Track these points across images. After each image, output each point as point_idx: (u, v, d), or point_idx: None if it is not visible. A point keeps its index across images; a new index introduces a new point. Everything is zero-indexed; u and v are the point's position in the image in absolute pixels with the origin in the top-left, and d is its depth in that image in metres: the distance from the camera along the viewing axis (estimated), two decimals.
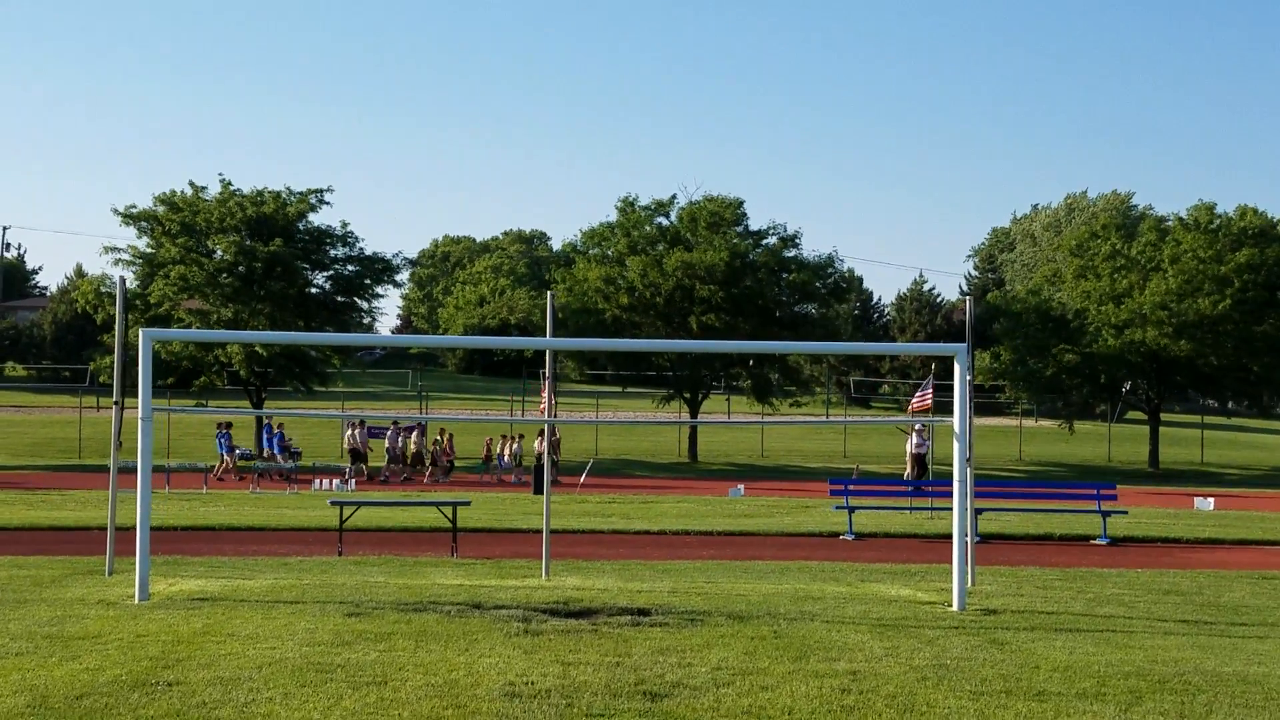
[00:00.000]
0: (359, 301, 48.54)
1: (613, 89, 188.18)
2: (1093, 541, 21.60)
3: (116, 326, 14.41)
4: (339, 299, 47.84)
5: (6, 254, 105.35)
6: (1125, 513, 23.54)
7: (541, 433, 37.34)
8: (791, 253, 49.46)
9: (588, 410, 57.83)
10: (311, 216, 46.32)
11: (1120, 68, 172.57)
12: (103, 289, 46.31)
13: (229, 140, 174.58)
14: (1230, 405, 73.71)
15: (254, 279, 44.08)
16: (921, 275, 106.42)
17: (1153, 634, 11.36)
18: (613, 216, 50.83)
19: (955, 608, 12.51)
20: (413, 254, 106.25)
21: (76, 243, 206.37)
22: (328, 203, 46.51)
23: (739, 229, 49.33)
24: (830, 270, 50.45)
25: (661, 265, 47.27)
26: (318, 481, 32.98)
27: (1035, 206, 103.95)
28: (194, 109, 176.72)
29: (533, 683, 8.52)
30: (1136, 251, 50.09)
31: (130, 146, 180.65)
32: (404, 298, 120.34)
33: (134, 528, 12.69)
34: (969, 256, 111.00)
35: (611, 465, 43.04)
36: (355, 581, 13.86)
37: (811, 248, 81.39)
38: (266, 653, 9.41)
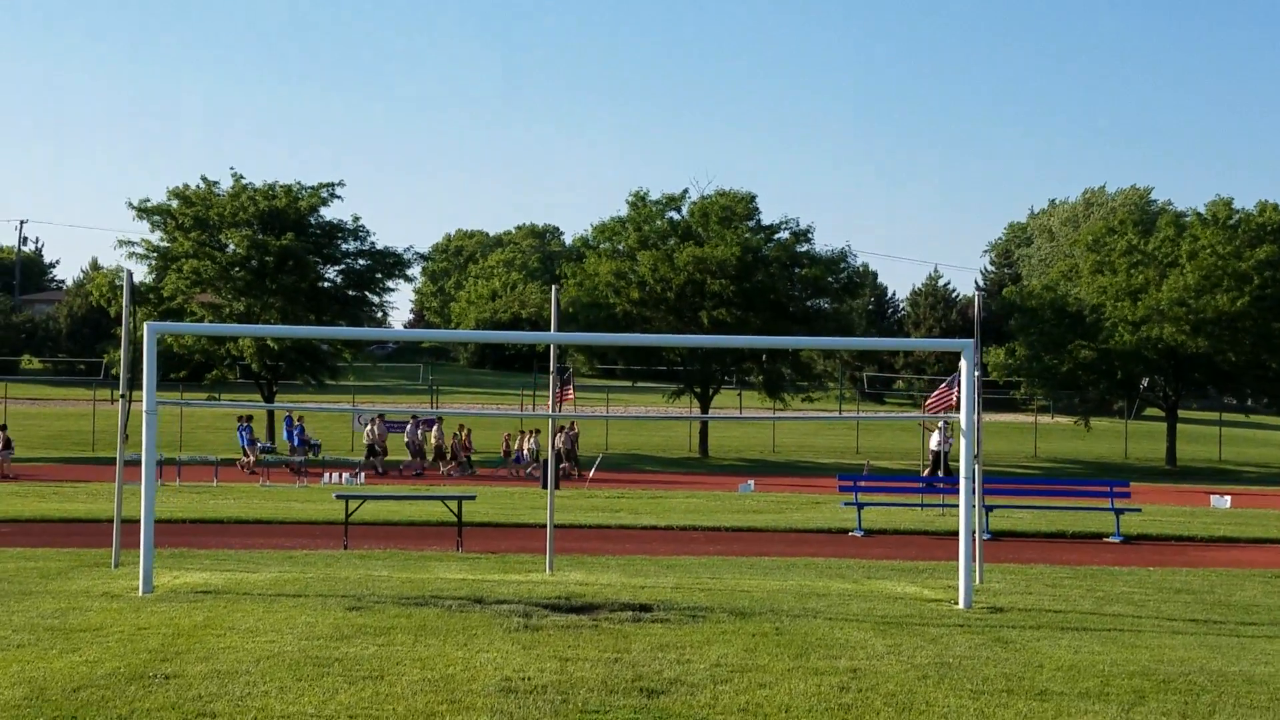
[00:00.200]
0: (370, 295, 48.64)
1: (626, 83, 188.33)
2: (1106, 539, 21.47)
3: (123, 320, 14.39)
4: (350, 293, 47.93)
5: (24, 247, 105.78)
6: (1139, 510, 23.37)
7: (561, 428, 37.53)
8: (804, 247, 49.34)
9: (598, 405, 57.78)
10: (323, 210, 46.44)
11: (1141, 63, 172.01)
12: (116, 282, 46.36)
13: (242, 133, 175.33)
14: (1249, 402, 73.34)
15: (266, 273, 44.18)
16: (937, 270, 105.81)
17: (1160, 633, 11.25)
18: (624, 211, 50.80)
19: (961, 605, 12.41)
20: (425, 248, 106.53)
21: (94, 236, 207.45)
22: (339, 197, 46.67)
23: (751, 224, 49.23)
24: (843, 265, 50.32)
25: (673, 260, 47.18)
26: (327, 475, 32.99)
27: (1053, 201, 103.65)
28: (210, 103, 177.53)
29: (529, 678, 8.46)
30: (1154, 247, 49.87)
31: (147, 140, 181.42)
32: (417, 292, 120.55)
33: (140, 520, 12.67)
34: (985, 252, 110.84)
35: (622, 460, 42.98)
36: (358, 575, 13.83)
37: (825, 242, 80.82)
38: (265, 646, 9.38)
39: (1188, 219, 51.94)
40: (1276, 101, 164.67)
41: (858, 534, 21.46)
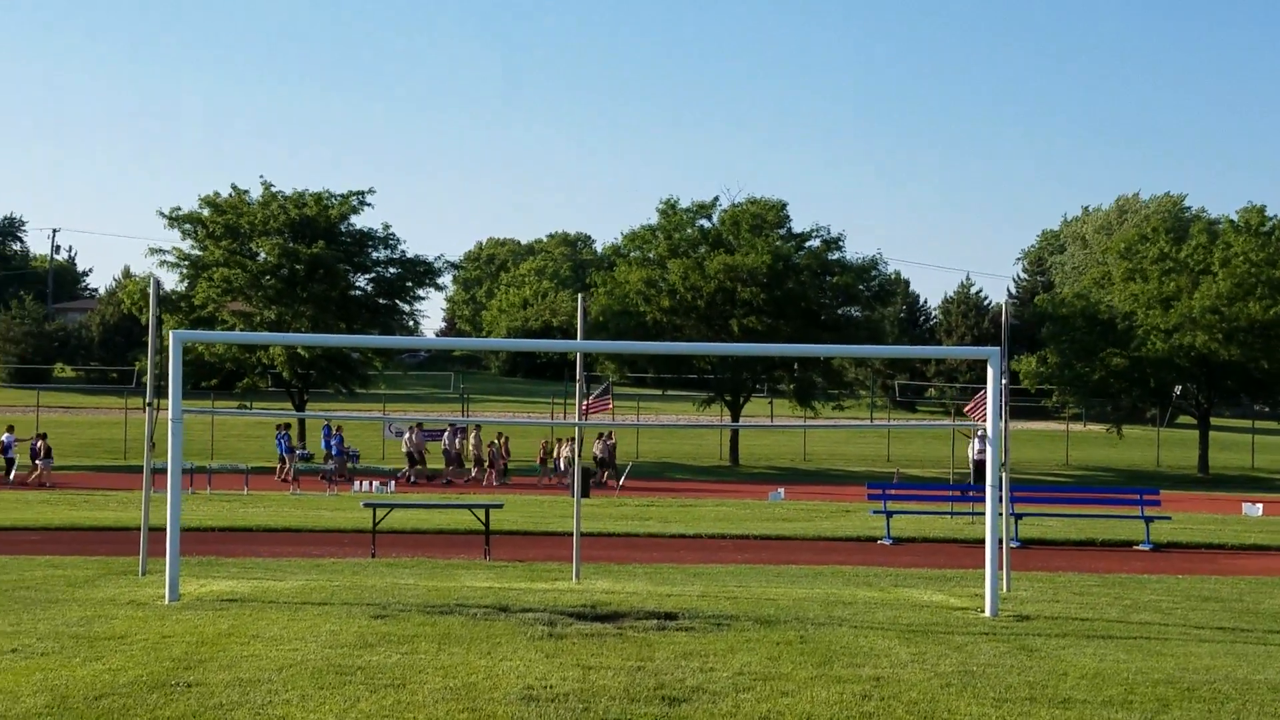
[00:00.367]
0: (400, 304, 48.83)
1: (658, 91, 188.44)
2: (1135, 547, 21.30)
3: (149, 328, 14.50)
4: (380, 301, 48.14)
5: (57, 256, 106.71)
6: (1169, 518, 23.20)
7: (600, 436, 37.59)
8: (835, 255, 49.27)
9: (629, 413, 57.80)
10: (353, 219, 46.66)
11: (1176, 70, 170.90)
12: (148, 290, 46.74)
13: (276, 141, 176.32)
14: None
15: (296, 281, 44.41)
16: (969, 278, 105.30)
17: (1187, 641, 11.15)
18: (654, 219, 50.84)
19: (987, 613, 12.35)
20: (456, 256, 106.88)
21: (127, 245, 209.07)
22: (369, 204, 46.94)
23: (781, 231, 49.19)
24: (874, 273, 50.23)
25: (703, 268, 47.19)
26: (357, 483, 33.12)
27: (1086, 209, 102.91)
28: (242, 111, 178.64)
29: (551, 686, 8.46)
30: (1186, 254, 49.52)
31: (180, 149, 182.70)
32: (448, 300, 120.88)
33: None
34: (1018, 259, 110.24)
35: (652, 468, 42.99)
36: (384, 583, 13.86)
37: (856, 250, 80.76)
38: (288, 654, 9.40)
39: (1220, 226, 51.57)
40: None
41: (886, 542, 21.37)
